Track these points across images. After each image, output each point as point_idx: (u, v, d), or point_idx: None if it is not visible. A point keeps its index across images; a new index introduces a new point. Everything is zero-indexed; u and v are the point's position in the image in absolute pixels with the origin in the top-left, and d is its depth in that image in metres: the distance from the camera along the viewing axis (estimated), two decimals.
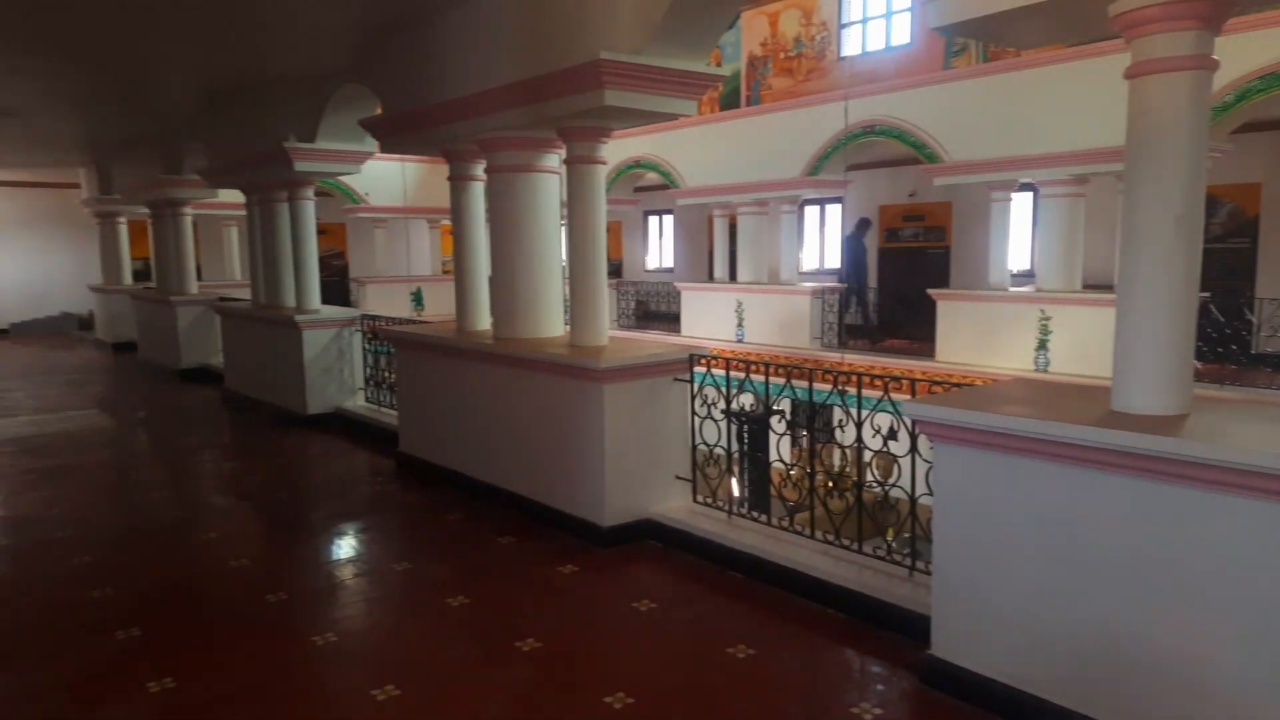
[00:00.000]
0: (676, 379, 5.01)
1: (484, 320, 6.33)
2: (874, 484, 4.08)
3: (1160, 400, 2.82)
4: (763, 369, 4.66)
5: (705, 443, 4.93)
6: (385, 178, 17.23)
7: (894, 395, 3.89)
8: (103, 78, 8.39)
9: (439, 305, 17.45)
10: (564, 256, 5.54)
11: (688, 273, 18.73)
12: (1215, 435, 2.56)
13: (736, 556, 4.40)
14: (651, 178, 17.01)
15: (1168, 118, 2.77)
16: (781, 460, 4.69)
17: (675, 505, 4.95)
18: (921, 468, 3.58)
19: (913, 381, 4.07)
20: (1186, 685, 2.57)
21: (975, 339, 11.41)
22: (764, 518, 4.66)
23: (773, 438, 4.67)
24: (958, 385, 3.68)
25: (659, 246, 20.62)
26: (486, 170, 5.87)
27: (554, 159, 5.72)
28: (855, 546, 4.11)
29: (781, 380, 4.79)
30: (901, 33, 13.71)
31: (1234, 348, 10.49)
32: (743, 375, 4.69)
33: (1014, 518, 2.94)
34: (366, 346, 8.54)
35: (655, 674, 3.46)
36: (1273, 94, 8.94)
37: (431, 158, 9.54)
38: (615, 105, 4.61)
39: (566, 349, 5.19)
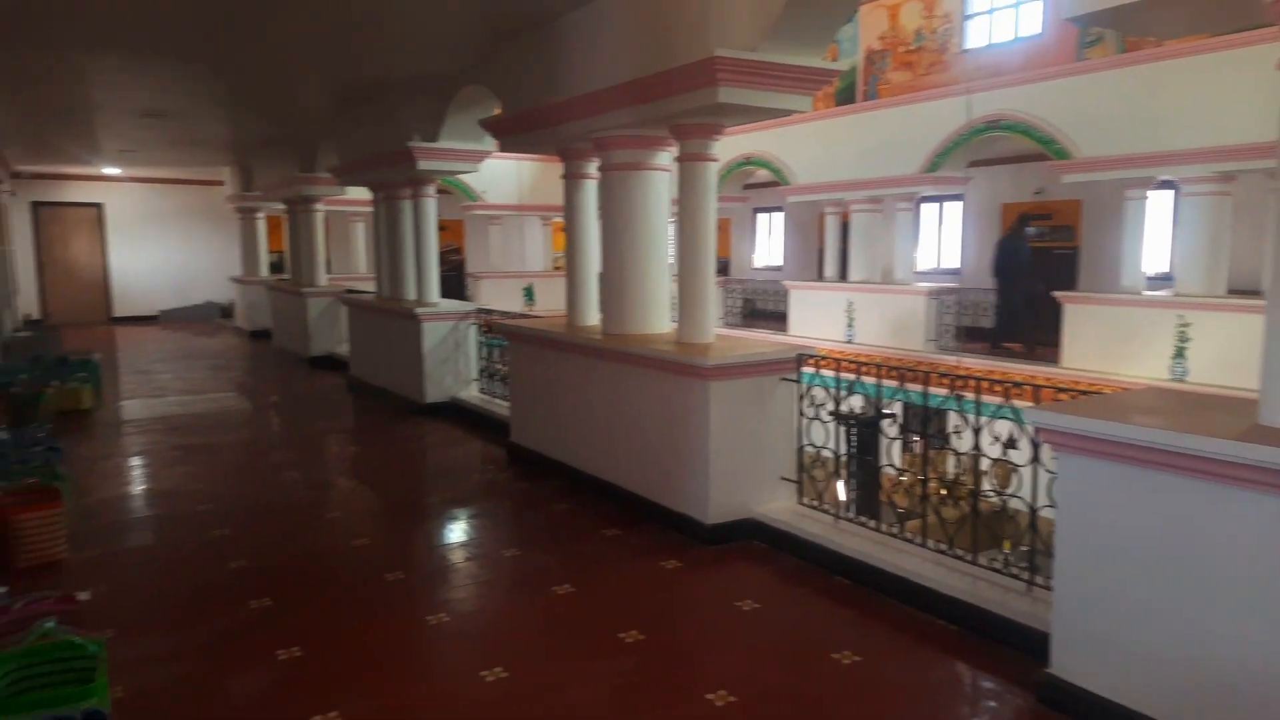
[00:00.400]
0: (784, 378, 4.96)
1: (593, 316, 6.42)
2: (991, 493, 3.93)
3: None
4: (874, 370, 4.56)
5: (812, 444, 4.86)
6: (501, 176, 17.74)
7: (1015, 401, 3.75)
8: (245, 84, 9.00)
9: (550, 301, 17.80)
10: (673, 253, 5.57)
11: (796, 271, 18.45)
12: None
13: (843, 561, 4.32)
14: (761, 174, 16.84)
15: None
16: (892, 465, 4.59)
17: (780, 506, 4.90)
18: (1044, 478, 3.44)
19: (1036, 388, 3.90)
20: None
21: (1105, 345, 10.79)
22: (873, 523, 4.55)
23: (883, 441, 4.56)
24: (1085, 393, 3.51)
25: (767, 244, 20.39)
26: (600, 168, 5.96)
27: (666, 157, 5.76)
28: (969, 557, 3.97)
29: (893, 383, 4.67)
30: (1029, 24, 13.11)
31: None
32: (853, 376, 4.60)
33: (1144, 534, 2.78)
34: (481, 339, 8.82)
35: (757, 674, 3.45)
36: None
37: (546, 156, 9.73)
38: (729, 102, 4.60)
39: (674, 345, 5.22)
